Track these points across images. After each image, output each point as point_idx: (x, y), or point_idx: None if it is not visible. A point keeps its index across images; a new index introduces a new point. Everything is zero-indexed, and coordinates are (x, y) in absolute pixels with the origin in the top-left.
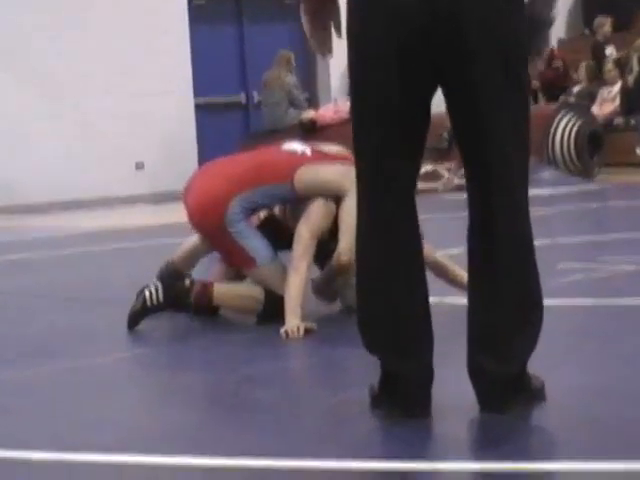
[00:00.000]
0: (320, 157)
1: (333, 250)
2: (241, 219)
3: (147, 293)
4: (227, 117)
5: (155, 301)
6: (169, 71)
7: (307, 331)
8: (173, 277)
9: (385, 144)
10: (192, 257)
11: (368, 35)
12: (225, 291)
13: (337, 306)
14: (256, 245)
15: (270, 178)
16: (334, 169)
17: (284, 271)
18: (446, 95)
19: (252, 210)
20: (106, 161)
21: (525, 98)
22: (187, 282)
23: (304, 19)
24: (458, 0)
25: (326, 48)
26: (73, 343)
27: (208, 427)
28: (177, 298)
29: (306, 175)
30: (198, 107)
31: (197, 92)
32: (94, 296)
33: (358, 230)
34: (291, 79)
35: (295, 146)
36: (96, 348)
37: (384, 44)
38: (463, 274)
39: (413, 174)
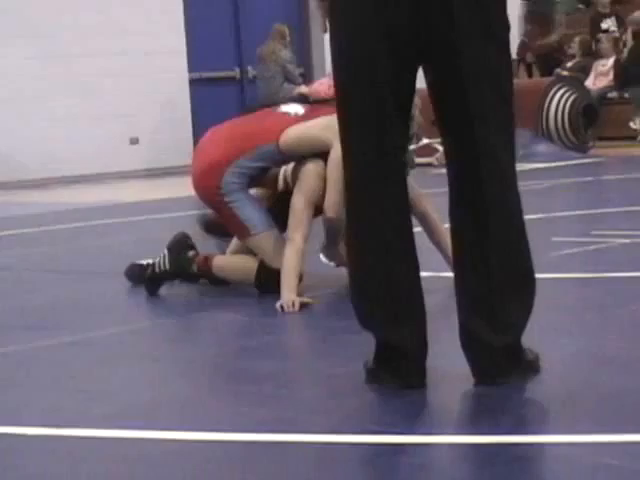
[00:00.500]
0: (312, 115)
1: None
2: (237, 188)
3: (157, 260)
4: (222, 92)
5: (163, 267)
6: (163, 47)
7: (304, 305)
8: (180, 247)
9: (372, 110)
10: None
11: (353, 9)
12: (223, 264)
13: (338, 278)
14: (250, 214)
15: (258, 139)
16: (316, 123)
17: (280, 242)
18: (430, 65)
19: (248, 177)
20: (101, 137)
21: (508, 62)
22: (191, 253)
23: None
24: None
25: None
26: (73, 316)
27: (206, 400)
28: (181, 267)
29: (290, 133)
30: (193, 82)
31: (191, 67)
32: (92, 269)
33: (347, 201)
34: (286, 54)
35: (291, 108)
36: (96, 321)
37: (371, 17)
38: (448, 242)
39: (401, 142)
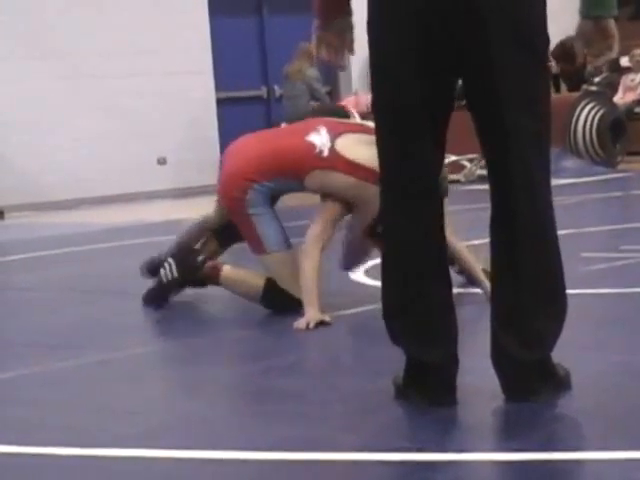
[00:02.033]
0: (334, 161)
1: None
2: (261, 203)
3: (162, 271)
4: (248, 111)
5: (170, 276)
6: (190, 67)
7: (322, 324)
8: (184, 252)
9: (410, 130)
10: (200, 229)
11: (389, 23)
12: (231, 275)
13: (359, 296)
14: (268, 231)
15: (284, 171)
16: (339, 183)
17: (294, 265)
18: (465, 80)
19: (272, 196)
20: (128, 157)
21: (545, 74)
22: (200, 258)
23: (315, 36)
24: None
25: (342, 62)
26: (96, 337)
27: (234, 419)
28: (189, 272)
29: (316, 179)
30: (219, 101)
31: (218, 87)
32: (118, 290)
33: (383, 218)
34: (312, 72)
35: (320, 138)
36: (121, 341)
37: (406, 30)
38: (473, 267)
39: (437, 162)
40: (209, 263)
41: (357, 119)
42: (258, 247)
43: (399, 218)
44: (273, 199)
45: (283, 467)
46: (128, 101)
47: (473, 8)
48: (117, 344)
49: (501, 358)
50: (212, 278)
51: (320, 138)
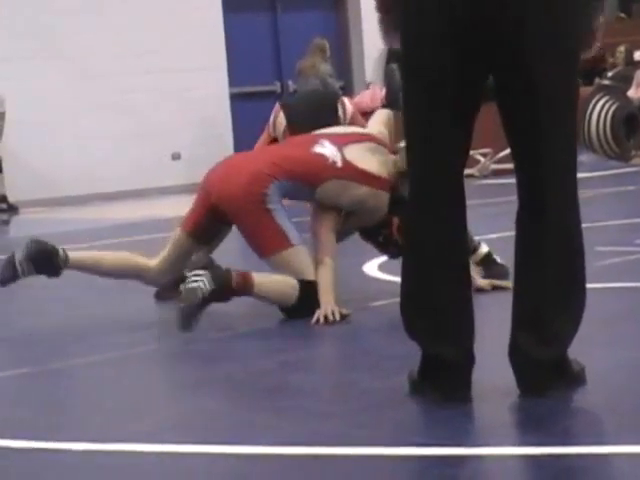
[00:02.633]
0: (350, 172)
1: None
2: (277, 200)
3: (196, 285)
4: (262, 106)
5: (205, 289)
6: (204, 62)
7: (342, 317)
8: (211, 265)
9: (436, 127)
10: (177, 261)
11: (422, 20)
12: (265, 281)
13: (373, 292)
14: (290, 225)
15: (297, 176)
16: (356, 193)
17: (311, 258)
18: (497, 79)
19: (283, 197)
20: (143, 153)
21: (575, 80)
22: (224, 269)
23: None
24: None
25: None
26: (112, 334)
27: (246, 415)
28: (224, 283)
29: (330, 190)
30: (233, 97)
31: (232, 82)
32: (133, 286)
33: (406, 216)
34: (326, 67)
35: (327, 150)
36: (134, 339)
37: (438, 27)
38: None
39: (462, 159)
40: (235, 273)
41: (348, 115)
42: (278, 242)
43: (423, 215)
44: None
45: (298, 462)
46: (141, 98)
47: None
48: (131, 342)
49: (518, 356)
50: (246, 288)
51: (327, 150)
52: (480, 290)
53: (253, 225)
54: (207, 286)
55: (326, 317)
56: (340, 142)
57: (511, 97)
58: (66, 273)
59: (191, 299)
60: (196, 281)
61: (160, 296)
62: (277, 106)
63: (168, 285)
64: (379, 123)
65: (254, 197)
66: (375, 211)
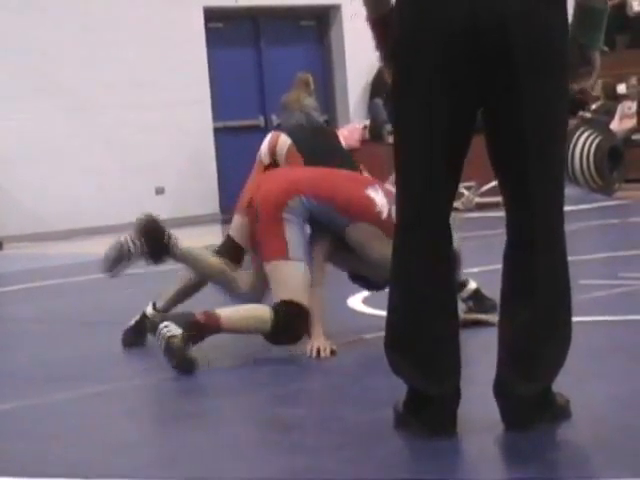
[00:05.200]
0: (387, 226)
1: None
2: (297, 213)
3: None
4: (246, 140)
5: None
6: (187, 96)
7: (332, 352)
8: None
9: (430, 167)
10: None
11: (414, 53)
12: (232, 313)
13: (357, 325)
14: (297, 240)
15: (336, 202)
16: (381, 249)
17: (307, 280)
18: (488, 113)
19: (305, 218)
20: (127, 187)
21: (566, 110)
22: (191, 312)
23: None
24: (503, 14)
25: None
26: (98, 368)
27: (233, 448)
28: (191, 323)
29: (363, 233)
30: (217, 131)
31: (216, 116)
32: (117, 321)
33: (394, 248)
34: (310, 101)
35: (378, 197)
36: (119, 373)
37: (431, 60)
38: None
39: (450, 198)
40: (199, 313)
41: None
42: (278, 250)
43: (410, 250)
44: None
45: None
46: (126, 133)
47: (501, 34)
48: (115, 376)
49: (502, 391)
50: (212, 326)
51: (378, 197)
52: (464, 325)
53: (263, 228)
54: (177, 329)
55: (318, 351)
56: (390, 196)
57: (501, 137)
58: (53, 308)
59: (175, 348)
60: (168, 330)
61: (126, 342)
62: (273, 133)
63: (133, 331)
64: None
65: (276, 203)
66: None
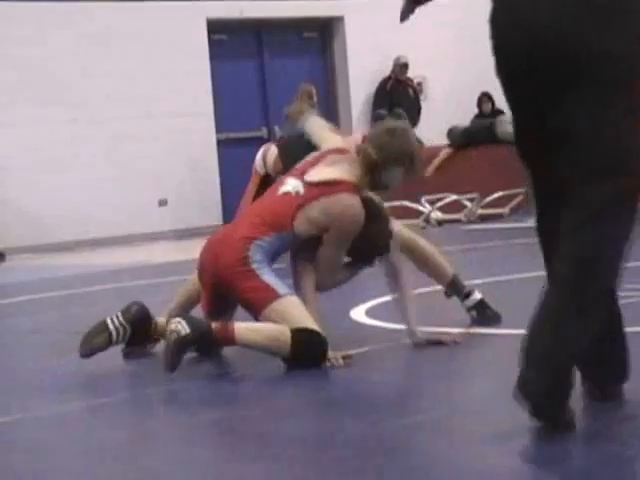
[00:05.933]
0: (311, 193)
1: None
2: (261, 259)
3: (175, 327)
4: (249, 152)
5: (183, 332)
6: (191, 108)
7: (345, 359)
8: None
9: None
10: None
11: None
12: (249, 329)
13: (360, 337)
14: (275, 280)
15: (275, 225)
16: (318, 208)
17: (302, 305)
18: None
19: (272, 255)
20: (130, 199)
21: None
22: (210, 323)
23: None
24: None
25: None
26: (101, 380)
27: (234, 463)
28: (204, 331)
29: (301, 221)
30: (220, 143)
31: (219, 128)
32: None
33: None
34: (313, 113)
35: (289, 186)
36: (122, 384)
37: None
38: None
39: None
40: (215, 323)
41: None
42: (267, 295)
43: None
44: (273, 257)
45: None
46: (129, 144)
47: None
48: (119, 388)
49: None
50: (226, 338)
51: (289, 186)
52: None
53: (240, 288)
54: (185, 329)
55: (333, 362)
56: (300, 171)
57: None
58: (56, 319)
59: (172, 339)
60: (175, 325)
61: (128, 354)
62: (266, 144)
63: (136, 343)
64: (328, 134)
65: (237, 263)
66: (349, 218)
